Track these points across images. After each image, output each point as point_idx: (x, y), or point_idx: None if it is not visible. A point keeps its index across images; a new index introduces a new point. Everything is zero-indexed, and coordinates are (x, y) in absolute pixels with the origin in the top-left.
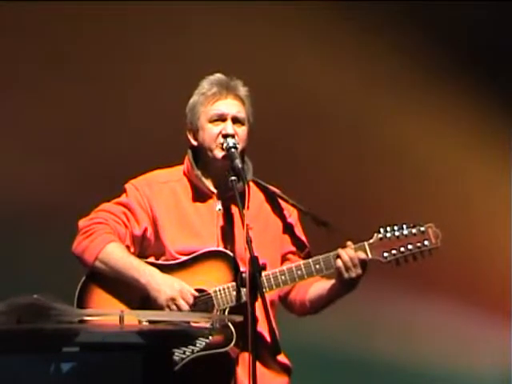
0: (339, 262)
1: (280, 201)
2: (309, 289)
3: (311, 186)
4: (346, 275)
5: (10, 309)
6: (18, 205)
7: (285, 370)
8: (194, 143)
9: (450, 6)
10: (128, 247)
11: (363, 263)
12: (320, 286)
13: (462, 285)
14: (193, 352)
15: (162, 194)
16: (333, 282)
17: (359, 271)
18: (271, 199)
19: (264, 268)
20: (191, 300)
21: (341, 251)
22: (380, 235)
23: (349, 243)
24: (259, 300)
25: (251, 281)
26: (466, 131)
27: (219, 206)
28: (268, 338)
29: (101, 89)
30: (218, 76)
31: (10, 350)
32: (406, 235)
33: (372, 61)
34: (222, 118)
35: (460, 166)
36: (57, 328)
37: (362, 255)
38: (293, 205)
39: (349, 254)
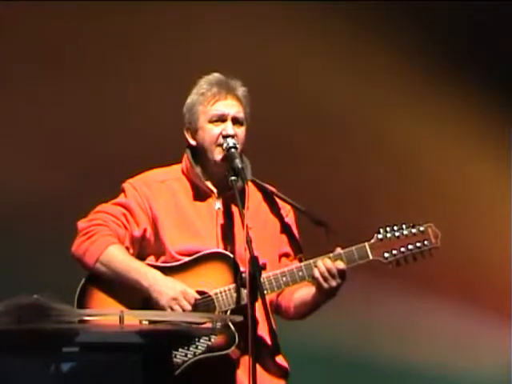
0: (316, 273)
1: (277, 200)
2: (293, 294)
3: (309, 186)
4: (324, 285)
5: (9, 309)
6: (17, 205)
7: (283, 373)
8: (193, 143)
9: (449, 6)
10: (127, 249)
11: (341, 273)
12: (303, 293)
13: (461, 285)
14: (195, 354)
15: (161, 193)
16: (314, 289)
17: (338, 281)
18: (269, 198)
19: (264, 268)
20: (193, 300)
21: (318, 262)
22: (380, 235)
23: (338, 249)
24: (259, 301)
25: (251, 281)
26: (465, 131)
27: (219, 204)
28: (268, 340)
29: (101, 88)
30: (217, 75)
31: (10, 350)
32: (405, 235)
33: (372, 60)
34: (222, 119)
35: (460, 166)
36: (57, 328)
37: (340, 265)
38: (290, 204)
39: (326, 264)
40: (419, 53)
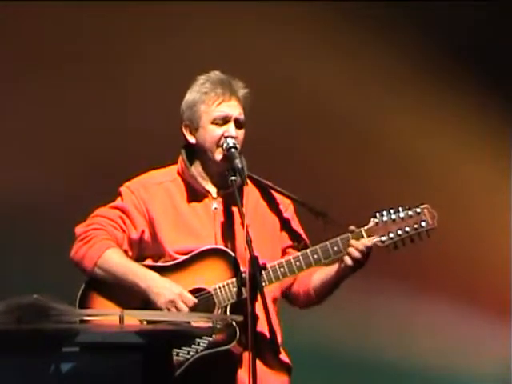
0: (356, 253)
1: (276, 195)
2: (311, 278)
3: (309, 185)
4: (353, 263)
5: (9, 309)
6: (16, 205)
7: (285, 369)
8: (192, 141)
9: (449, 6)
10: (126, 252)
11: (369, 250)
12: (323, 273)
13: (461, 284)
14: (197, 352)
15: (158, 195)
16: (335, 268)
17: (366, 257)
18: (267, 195)
19: (264, 268)
20: (191, 303)
21: (352, 241)
22: (376, 220)
23: (352, 227)
24: (259, 298)
25: (251, 281)
26: (466, 131)
27: (215, 204)
28: (269, 336)
29: (100, 89)
30: (218, 74)
31: (10, 350)
32: (402, 218)
33: (372, 60)
34: (225, 120)
35: (460, 166)
36: (57, 328)
37: (368, 243)
38: (289, 197)
39: (363, 243)
40: (419, 53)
